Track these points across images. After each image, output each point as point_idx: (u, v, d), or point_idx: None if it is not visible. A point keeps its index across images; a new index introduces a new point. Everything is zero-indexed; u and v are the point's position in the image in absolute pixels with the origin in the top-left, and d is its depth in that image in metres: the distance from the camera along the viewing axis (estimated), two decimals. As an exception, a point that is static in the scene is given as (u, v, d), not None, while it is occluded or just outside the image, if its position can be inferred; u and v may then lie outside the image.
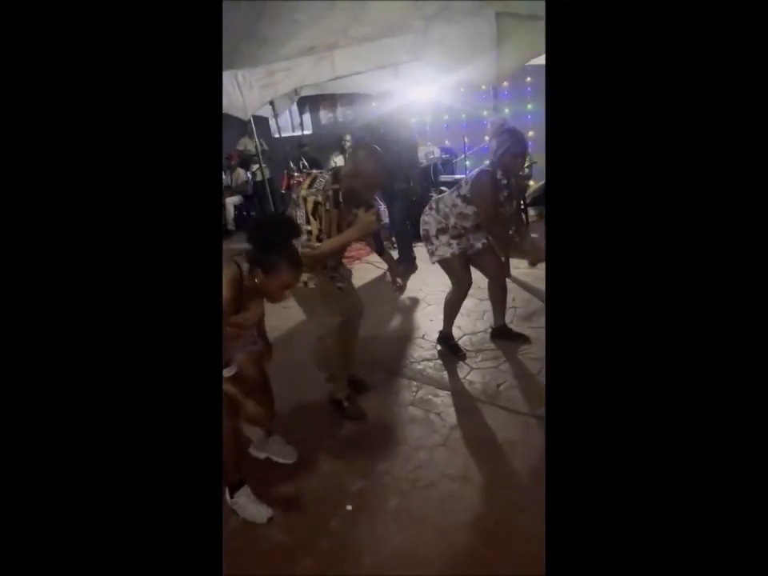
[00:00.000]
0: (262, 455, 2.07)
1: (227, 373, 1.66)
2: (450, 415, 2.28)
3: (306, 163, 5.87)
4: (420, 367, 2.72)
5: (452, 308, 2.78)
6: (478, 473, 1.90)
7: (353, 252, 5.01)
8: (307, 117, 8.17)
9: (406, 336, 3.12)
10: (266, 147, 5.80)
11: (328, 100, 7.84)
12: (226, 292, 1.49)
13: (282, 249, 1.60)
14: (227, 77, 3.54)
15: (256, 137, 4.17)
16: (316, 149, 6.40)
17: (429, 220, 2.67)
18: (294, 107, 7.09)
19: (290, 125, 8.00)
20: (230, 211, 6.39)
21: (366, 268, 4.37)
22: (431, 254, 2.69)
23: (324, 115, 8.11)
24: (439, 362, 2.75)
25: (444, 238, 2.60)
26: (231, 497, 1.79)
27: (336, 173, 2.08)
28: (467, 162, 5.95)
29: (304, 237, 2.00)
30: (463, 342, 2.90)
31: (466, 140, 5.90)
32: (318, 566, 1.57)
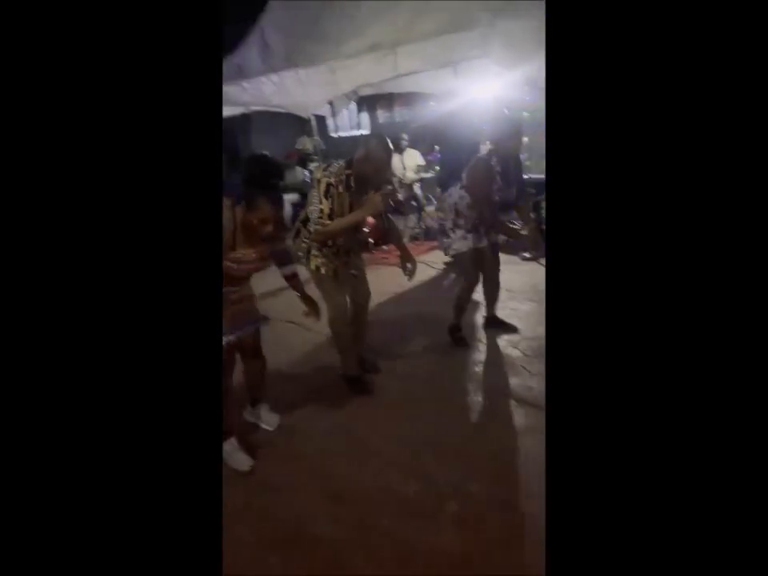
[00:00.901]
0: (252, 420, 2.28)
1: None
2: (501, 417, 2.22)
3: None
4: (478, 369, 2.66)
5: (461, 302, 2.88)
6: (529, 478, 1.82)
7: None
8: (365, 116, 8.23)
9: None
10: (323, 146, 5.87)
11: (385, 99, 7.86)
12: None
13: (263, 185, 1.77)
14: (290, 75, 3.59)
15: (316, 135, 4.21)
16: (372, 148, 6.41)
17: (442, 214, 2.79)
18: (353, 106, 7.16)
19: (348, 124, 8.08)
20: (288, 208, 6.52)
21: (420, 267, 4.30)
22: (447, 247, 2.79)
23: (381, 114, 8.14)
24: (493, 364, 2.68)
25: (460, 232, 2.71)
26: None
27: (350, 160, 2.23)
28: (527, 163, 5.77)
29: (316, 215, 2.17)
30: (522, 347, 2.82)
31: (525, 139, 5.73)
32: (368, 565, 1.55)
